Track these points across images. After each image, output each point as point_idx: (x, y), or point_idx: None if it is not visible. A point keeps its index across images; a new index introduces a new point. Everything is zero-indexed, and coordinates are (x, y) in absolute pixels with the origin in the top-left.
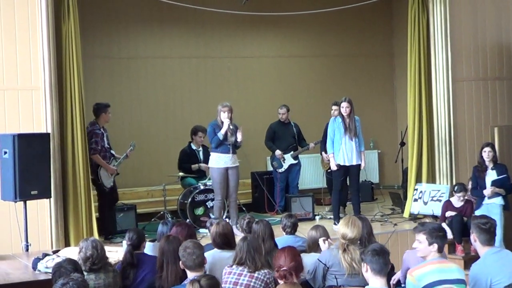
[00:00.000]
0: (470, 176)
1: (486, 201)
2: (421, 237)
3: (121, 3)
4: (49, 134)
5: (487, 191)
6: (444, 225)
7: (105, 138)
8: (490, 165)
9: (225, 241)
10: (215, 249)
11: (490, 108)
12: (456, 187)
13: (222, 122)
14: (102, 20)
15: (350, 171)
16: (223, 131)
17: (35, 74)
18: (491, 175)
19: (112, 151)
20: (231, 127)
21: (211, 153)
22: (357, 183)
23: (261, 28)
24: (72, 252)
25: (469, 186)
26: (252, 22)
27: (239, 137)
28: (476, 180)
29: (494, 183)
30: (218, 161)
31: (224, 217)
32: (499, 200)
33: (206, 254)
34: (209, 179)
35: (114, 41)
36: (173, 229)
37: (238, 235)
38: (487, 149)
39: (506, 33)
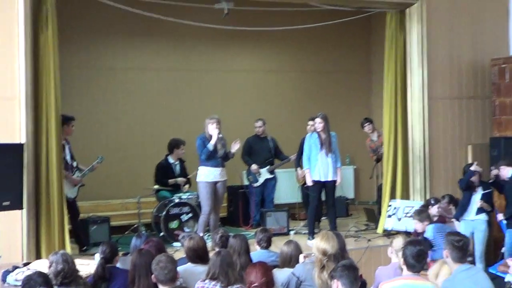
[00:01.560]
0: (448, 192)
1: (471, 217)
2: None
3: (100, 14)
4: (23, 144)
5: (477, 204)
6: None
7: (67, 150)
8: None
9: (198, 255)
10: (189, 263)
11: (465, 126)
12: (432, 200)
13: (211, 135)
14: (81, 30)
15: (326, 187)
16: (212, 142)
17: (11, 84)
18: (477, 193)
19: (75, 163)
20: (220, 138)
21: (200, 167)
22: (333, 198)
23: (241, 43)
24: (43, 265)
25: (442, 204)
26: (232, 37)
27: (235, 148)
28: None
29: (483, 196)
30: (208, 175)
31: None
32: (484, 216)
33: (179, 268)
34: (185, 192)
35: (93, 52)
36: (142, 246)
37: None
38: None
39: (481, 53)
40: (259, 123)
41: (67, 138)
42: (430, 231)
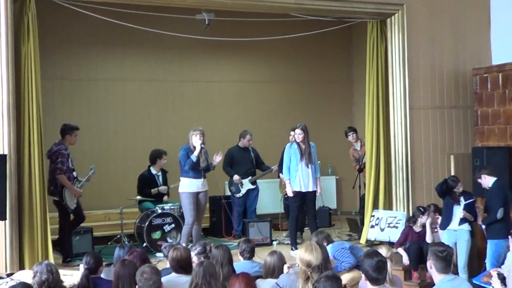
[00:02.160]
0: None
1: (454, 227)
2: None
3: (81, 25)
4: (5, 155)
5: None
6: (400, 250)
7: (70, 160)
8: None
9: (182, 266)
10: (172, 274)
11: (447, 135)
12: (417, 211)
13: (194, 147)
14: (62, 41)
15: (306, 197)
16: (196, 153)
17: None
18: (460, 204)
19: (75, 173)
20: (203, 151)
21: (181, 178)
22: (314, 209)
23: (222, 53)
24: (27, 276)
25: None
26: (213, 47)
27: (217, 160)
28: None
29: (466, 206)
30: (190, 185)
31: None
32: (466, 226)
33: (163, 279)
34: (166, 203)
35: (74, 63)
36: (126, 256)
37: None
38: (459, 184)
39: (462, 63)
40: (251, 137)
41: (68, 147)
42: (329, 250)
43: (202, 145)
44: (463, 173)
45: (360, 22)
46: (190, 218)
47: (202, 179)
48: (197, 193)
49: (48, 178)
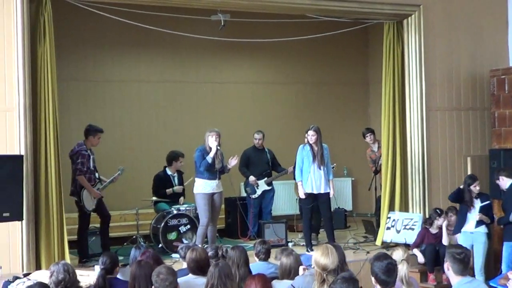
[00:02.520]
0: (447, 206)
1: (471, 229)
2: None
3: (97, 26)
4: (22, 156)
5: (475, 218)
6: (415, 251)
7: (91, 161)
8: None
9: (200, 266)
10: (190, 275)
11: (463, 137)
12: (434, 213)
13: (210, 148)
14: (78, 42)
15: (319, 199)
16: (211, 154)
17: (9, 96)
18: (475, 204)
19: (97, 174)
20: (219, 152)
21: (196, 179)
22: (329, 210)
23: (238, 54)
24: (43, 276)
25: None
26: (229, 48)
27: (232, 164)
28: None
29: (482, 208)
30: (205, 186)
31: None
32: (483, 229)
33: (180, 280)
34: (182, 204)
35: (90, 64)
36: (139, 257)
37: None
38: (476, 183)
39: (480, 64)
40: (260, 135)
41: (91, 148)
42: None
43: (218, 147)
44: (479, 175)
45: (376, 23)
46: (205, 219)
47: (217, 180)
48: (212, 194)
49: (71, 178)
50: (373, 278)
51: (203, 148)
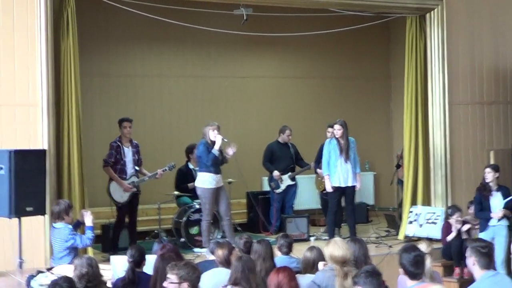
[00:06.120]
0: (470, 200)
1: (492, 222)
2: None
3: (119, 22)
4: (45, 150)
5: (497, 214)
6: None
7: (122, 151)
8: (494, 187)
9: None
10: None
11: (486, 131)
12: (449, 210)
13: (212, 141)
14: (100, 38)
15: (345, 193)
16: (217, 146)
17: (32, 91)
18: (496, 197)
19: (133, 168)
20: (225, 140)
21: (200, 173)
22: (353, 204)
23: (259, 49)
24: (67, 270)
25: (470, 210)
26: (250, 43)
27: (231, 152)
28: (480, 203)
29: (506, 204)
30: (211, 181)
31: (220, 237)
32: (504, 222)
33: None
34: None
35: (112, 59)
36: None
37: None
38: (487, 170)
39: (502, 58)
40: (291, 131)
41: (132, 140)
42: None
43: (225, 139)
44: (502, 169)
45: (399, 18)
46: (209, 213)
47: (220, 174)
48: (217, 189)
49: None
50: (401, 270)
51: (205, 142)
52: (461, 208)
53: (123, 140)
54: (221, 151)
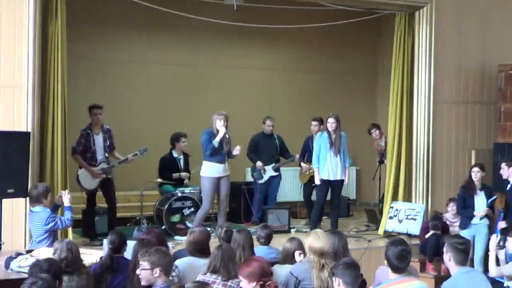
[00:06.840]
0: (450, 197)
1: (475, 221)
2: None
3: (109, 7)
4: (29, 133)
5: (481, 213)
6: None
7: (92, 139)
8: (478, 185)
9: (199, 248)
10: (189, 256)
11: (469, 131)
12: (432, 223)
13: (218, 131)
14: (90, 22)
15: (333, 186)
16: (218, 138)
17: (18, 72)
18: (480, 196)
19: (102, 154)
20: (227, 135)
21: (204, 162)
22: (339, 197)
23: (248, 40)
24: (46, 253)
25: (449, 207)
26: (240, 33)
27: (236, 152)
28: (463, 200)
29: (491, 203)
30: (213, 170)
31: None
32: (486, 221)
33: (180, 261)
34: (187, 186)
35: (100, 44)
36: (144, 236)
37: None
38: (475, 169)
39: (489, 58)
40: (272, 122)
41: (103, 126)
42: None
43: (227, 134)
44: (485, 168)
45: (388, 14)
46: (208, 203)
47: (224, 164)
48: (219, 178)
49: None
50: (385, 262)
51: (210, 131)
52: (441, 216)
53: (93, 127)
54: (229, 143)
